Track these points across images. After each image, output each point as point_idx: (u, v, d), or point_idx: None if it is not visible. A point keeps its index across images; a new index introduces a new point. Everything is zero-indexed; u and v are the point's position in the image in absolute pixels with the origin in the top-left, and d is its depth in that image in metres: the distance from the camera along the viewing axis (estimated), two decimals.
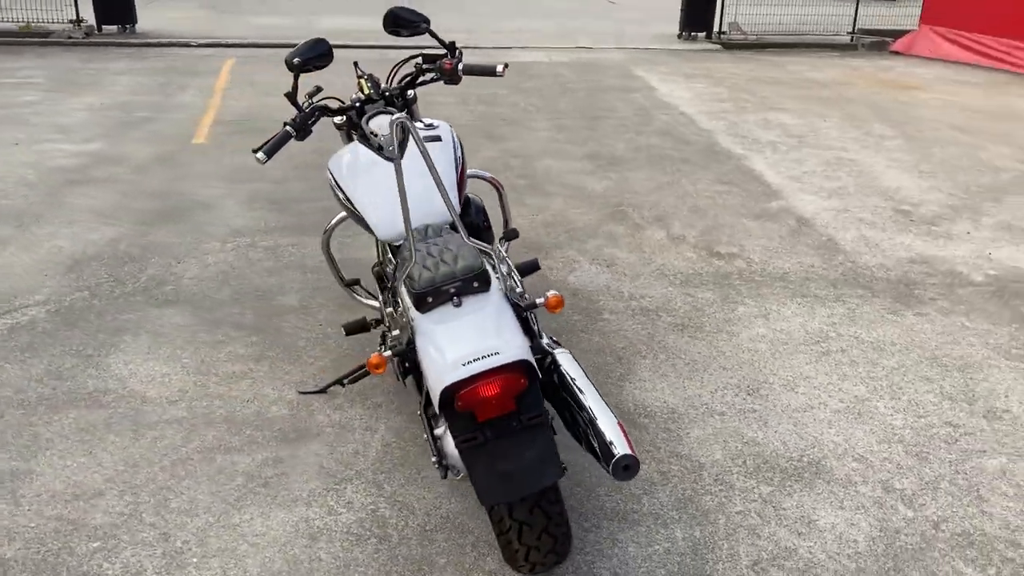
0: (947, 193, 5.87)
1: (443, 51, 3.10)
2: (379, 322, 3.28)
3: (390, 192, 2.80)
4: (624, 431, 2.10)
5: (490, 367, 1.93)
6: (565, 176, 6.04)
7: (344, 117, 3.04)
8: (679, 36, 14.48)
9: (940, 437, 3.04)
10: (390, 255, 2.84)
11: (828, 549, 2.49)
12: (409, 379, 2.45)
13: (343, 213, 3.36)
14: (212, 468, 2.80)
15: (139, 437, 2.94)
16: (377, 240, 3.27)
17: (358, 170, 2.89)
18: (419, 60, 3.13)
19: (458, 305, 2.11)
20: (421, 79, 3.15)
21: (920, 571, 2.41)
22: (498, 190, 3.51)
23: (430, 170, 2.03)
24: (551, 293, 2.18)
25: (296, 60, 2.89)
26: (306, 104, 2.94)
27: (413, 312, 2.08)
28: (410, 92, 3.14)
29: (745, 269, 4.47)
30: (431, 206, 2.82)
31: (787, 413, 3.17)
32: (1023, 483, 2.79)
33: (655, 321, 3.86)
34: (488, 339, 2.00)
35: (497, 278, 2.20)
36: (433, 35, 3.09)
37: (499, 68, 3.08)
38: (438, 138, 2.98)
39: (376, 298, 3.38)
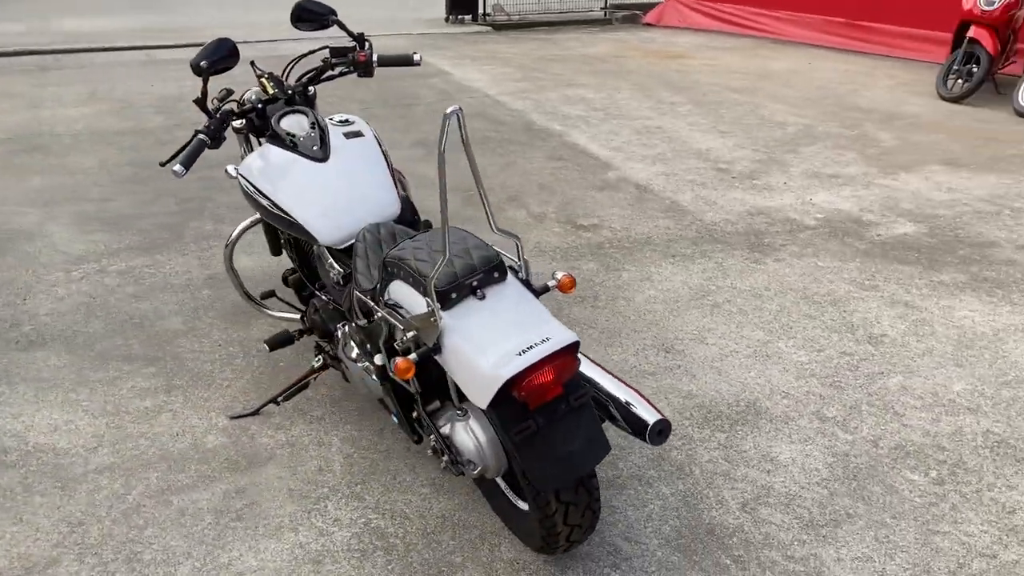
0: (751, 150, 6.42)
1: (351, 43, 2.98)
2: (303, 333, 3.11)
3: (326, 193, 2.67)
4: (646, 398, 2.16)
5: (547, 353, 1.91)
6: (402, 165, 5.96)
7: (244, 120, 2.84)
8: (447, 20, 14.63)
9: (843, 366, 3.37)
10: (331, 261, 2.70)
11: (799, 480, 2.70)
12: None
13: (245, 223, 3.14)
14: (172, 511, 2.53)
15: (71, 493, 2.60)
16: (293, 246, 3.10)
17: (285, 174, 2.72)
18: (327, 54, 2.98)
19: (482, 298, 2.06)
20: (328, 74, 3.00)
21: (879, 485, 2.68)
22: (401, 181, 3.42)
23: (472, 169, 1.95)
24: (561, 274, 2.18)
25: (203, 63, 2.68)
26: (216, 109, 2.73)
27: (436, 311, 1.99)
28: (311, 88, 2.99)
29: (613, 238, 4.66)
30: (376, 204, 2.72)
31: (708, 363, 3.38)
32: (924, 394, 3.16)
33: (555, 295, 3.94)
34: (533, 326, 1.98)
35: (510, 267, 2.17)
36: (342, 26, 2.96)
37: (416, 56, 3.01)
38: (359, 133, 2.87)
39: (296, 308, 3.20)
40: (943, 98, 8.19)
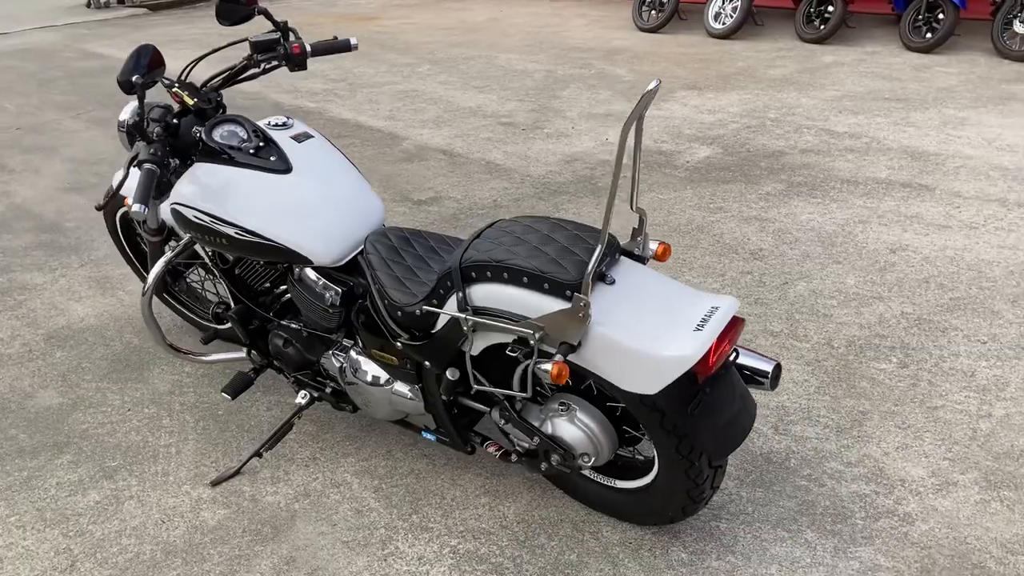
0: (517, 101, 6.54)
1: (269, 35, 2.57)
2: (259, 370, 2.71)
3: (308, 208, 2.34)
4: (748, 349, 2.18)
5: (726, 323, 1.84)
6: None
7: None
8: (88, 5, 13.02)
9: (751, 283, 3.62)
10: (324, 282, 2.36)
11: (799, 394, 2.88)
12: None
13: (162, 262, 2.63)
14: None
15: None
16: (231, 276, 2.67)
17: (245, 194, 2.32)
18: (247, 50, 2.55)
19: (612, 283, 1.93)
20: (250, 72, 2.57)
21: (862, 379, 2.95)
22: None
23: (635, 144, 1.79)
24: (656, 243, 2.09)
25: (135, 78, 2.18)
26: (153, 131, 2.24)
27: (584, 306, 1.82)
28: (221, 94, 2.55)
29: (461, 208, 4.54)
30: (367, 211, 2.43)
31: None
32: (832, 293, 3.51)
33: None
34: (687, 300, 1.90)
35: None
36: (269, 17, 2.54)
37: (352, 41, 2.67)
38: (307, 135, 2.52)
39: (239, 345, 2.76)
40: (642, 29, 8.91)
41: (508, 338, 2.00)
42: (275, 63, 2.57)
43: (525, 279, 1.92)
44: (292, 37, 2.58)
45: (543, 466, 2.21)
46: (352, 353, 2.44)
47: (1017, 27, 6.93)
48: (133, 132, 2.57)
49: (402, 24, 9.93)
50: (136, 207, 2.03)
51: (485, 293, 2.00)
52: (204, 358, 2.86)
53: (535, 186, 4.79)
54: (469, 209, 4.50)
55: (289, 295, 2.69)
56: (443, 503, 2.45)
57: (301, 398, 2.61)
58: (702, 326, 1.82)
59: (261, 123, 2.50)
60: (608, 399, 2.17)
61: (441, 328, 2.12)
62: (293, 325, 2.58)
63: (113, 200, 2.99)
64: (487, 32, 9.21)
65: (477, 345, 2.09)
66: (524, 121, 6.00)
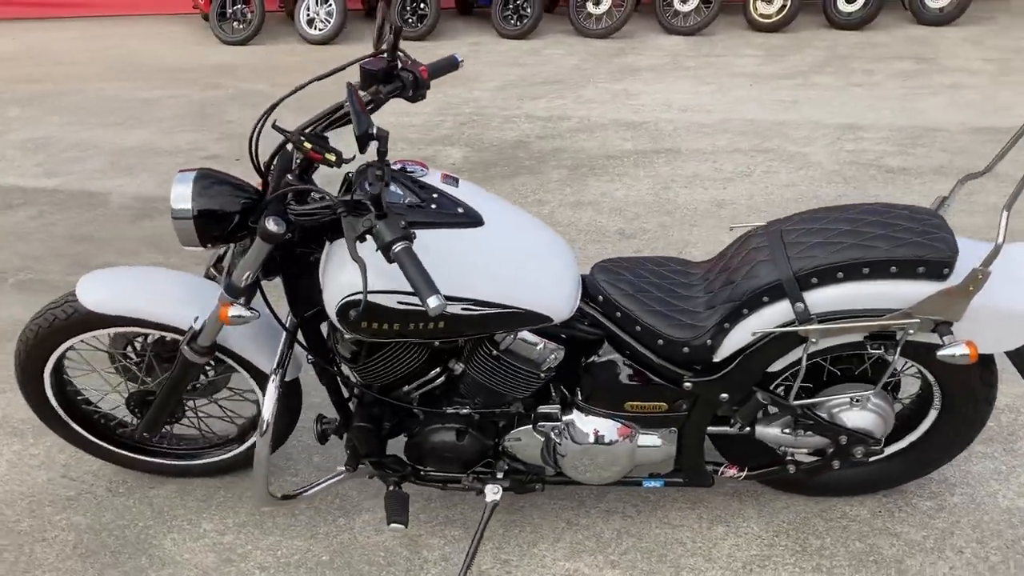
0: (193, 133, 5.71)
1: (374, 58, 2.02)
2: (399, 482, 2.24)
3: (525, 260, 1.99)
4: None
5: None
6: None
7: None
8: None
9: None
10: (544, 343, 2.02)
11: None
12: None
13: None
14: None
15: None
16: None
17: (463, 259, 1.88)
18: (360, 79, 1.97)
19: None
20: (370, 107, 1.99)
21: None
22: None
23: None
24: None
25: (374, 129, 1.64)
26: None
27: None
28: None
29: None
30: (564, 248, 2.11)
31: None
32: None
33: None
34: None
35: None
36: (397, 36, 2.00)
37: (458, 57, 2.23)
38: (451, 176, 2.05)
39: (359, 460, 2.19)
40: (227, 42, 8.27)
41: (857, 338, 1.98)
42: (396, 94, 2.04)
43: (894, 268, 1.90)
44: (407, 58, 2.06)
45: (835, 464, 2.22)
46: (570, 418, 2.13)
47: (591, 7, 8.06)
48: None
49: None
50: (435, 300, 1.53)
51: (834, 296, 1.93)
52: (307, 493, 2.25)
53: None
54: None
55: (435, 383, 2.19)
56: (535, 536, 2.35)
57: (494, 494, 2.19)
58: None
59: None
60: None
61: (748, 351, 2.00)
62: (463, 411, 2.15)
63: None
64: (44, 60, 7.71)
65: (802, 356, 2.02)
66: (231, 154, 5.29)
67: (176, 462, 2.53)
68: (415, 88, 2.05)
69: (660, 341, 2.00)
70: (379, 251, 1.59)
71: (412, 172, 2.00)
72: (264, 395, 2.08)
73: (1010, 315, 1.93)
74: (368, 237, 1.66)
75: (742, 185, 4.54)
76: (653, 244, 3.93)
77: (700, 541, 2.31)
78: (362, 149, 1.67)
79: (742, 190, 4.48)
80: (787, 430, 2.19)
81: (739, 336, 1.99)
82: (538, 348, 2.02)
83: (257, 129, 1.91)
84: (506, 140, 5.38)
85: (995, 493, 2.41)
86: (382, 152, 1.70)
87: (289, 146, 1.92)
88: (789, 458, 2.25)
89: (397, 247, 1.57)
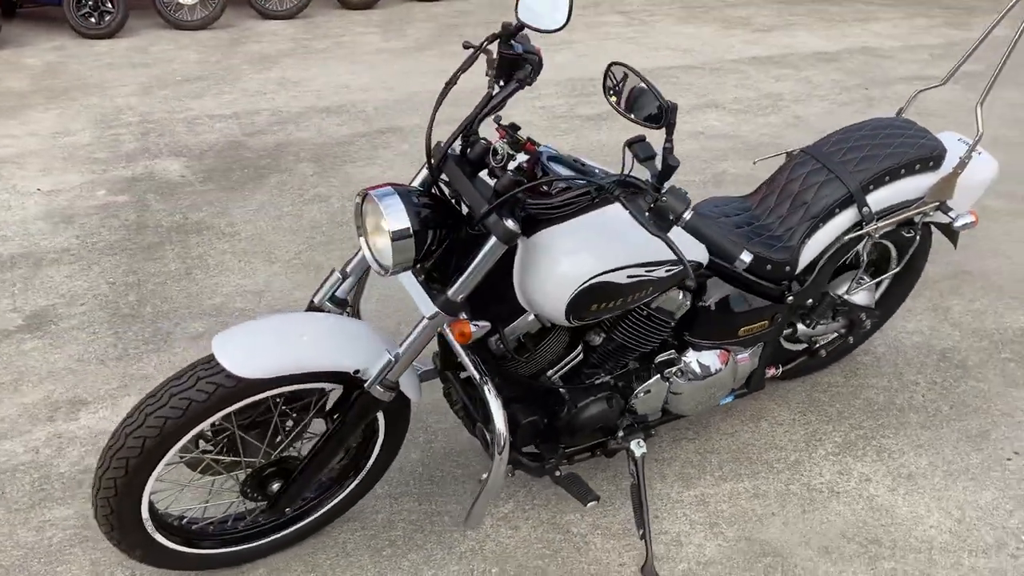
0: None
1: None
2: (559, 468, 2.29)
3: None
4: None
5: None
6: None
7: None
8: None
9: None
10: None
11: None
12: None
13: None
14: None
15: None
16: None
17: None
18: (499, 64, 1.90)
19: None
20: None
21: None
22: None
23: None
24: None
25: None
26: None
27: None
28: None
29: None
30: None
31: None
32: None
33: None
34: None
35: None
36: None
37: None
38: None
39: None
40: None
41: (892, 227, 2.52)
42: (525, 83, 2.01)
43: (917, 166, 2.45)
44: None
45: (851, 339, 2.78)
46: (689, 358, 2.36)
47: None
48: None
49: None
50: (747, 254, 1.73)
51: (883, 197, 2.45)
52: (475, 509, 2.13)
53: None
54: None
55: (575, 360, 2.23)
56: (761, 443, 2.73)
57: (640, 447, 2.34)
58: None
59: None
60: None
61: (824, 256, 2.42)
62: (601, 380, 2.27)
63: None
64: None
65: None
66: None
67: (295, 527, 2.20)
68: (534, 75, 2.01)
69: (768, 266, 2.32)
70: (652, 224, 1.63)
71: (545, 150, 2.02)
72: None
73: (966, 188, 2.58)
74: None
75: None
76: None
77: (762, 437, 2.73)
78: (667, 127, 1.68)
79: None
80: (822, 323, 2.66)
81: (814, 246, 2.39)
82: (679, 299, 2.19)
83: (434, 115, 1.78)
84: (213, 143, 4.97)
85: (911, 333, 3.21)
86: (671, 124, 1.72)
87: (488, 141, 1.85)
88: (817, 346, 2.74)
89: (688, 215, 1.67)
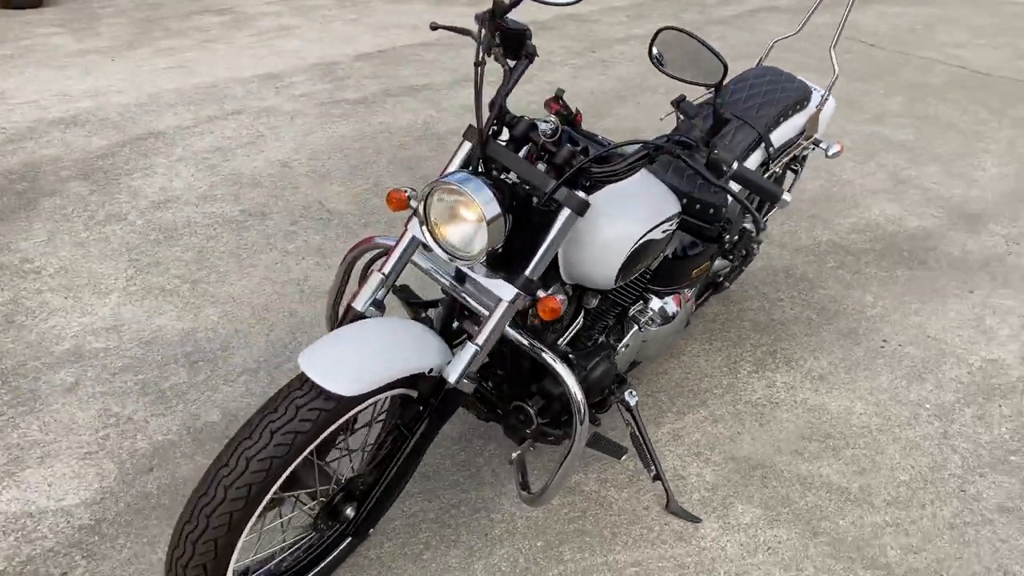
0: None
1: None
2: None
3: None
4: None
5: None
6: None
7: None
8: None
9: None
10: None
11: None
12: None
13: None
14: None
15: None
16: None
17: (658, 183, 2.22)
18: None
19: None
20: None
21: None
22: None
23: None
24: None
25: None
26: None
27: None
28: None
29: None
30: None
31: None
32: None
33: None
34: None
35: None
36: None
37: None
38: None
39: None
40: None
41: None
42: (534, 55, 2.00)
43: (798, 106, 2.79)
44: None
45: (745, 265, 3.07)
46: (657, 306, 2.48)
47: None
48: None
49: None
50: (788, 196, 1.94)
51: (778, 136, 2.75)
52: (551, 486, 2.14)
53: None
54: None
55: (577, 325, 2.29)
56: (714, 380, 2.96)
57: (633, 397, 2.44)
58: None
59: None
60: None
61: (750, 188, 2.69)
62: (596, 342, 2.37)
63: None
64: None
65: None
66: None
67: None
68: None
69: (711, 210, 2.51)
70: (711, 177, 1.76)
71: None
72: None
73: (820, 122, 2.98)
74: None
75: (274, 140, 4.62)
76: (287, 214, 3.90)
77: (691, 370, 2.96)
78: (715, 87, 1.79)
79: (286, 142, 4.58)
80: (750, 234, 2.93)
81: (733, 187, 2.64)
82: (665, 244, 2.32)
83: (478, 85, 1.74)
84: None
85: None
86: (719, 85, 1.84)
87: (529, 118, 1.85)
88: (720, 278, 3.01)
89: (735, 165, 1.83)
